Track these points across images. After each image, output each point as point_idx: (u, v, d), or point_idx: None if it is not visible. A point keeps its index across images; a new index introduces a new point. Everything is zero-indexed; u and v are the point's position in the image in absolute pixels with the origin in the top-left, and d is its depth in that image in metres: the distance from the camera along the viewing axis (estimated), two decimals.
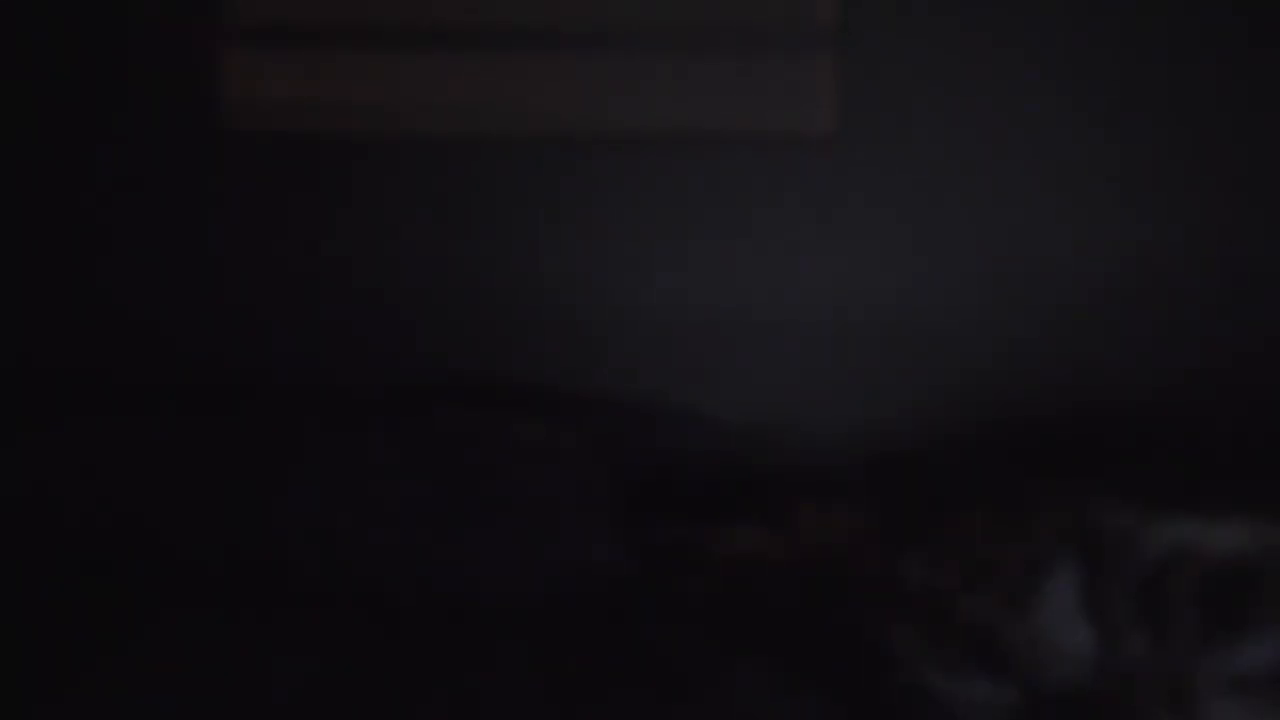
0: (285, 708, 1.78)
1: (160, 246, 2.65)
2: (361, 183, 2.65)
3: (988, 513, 2.07)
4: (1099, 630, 1.90)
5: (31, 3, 2.63)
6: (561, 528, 2.13)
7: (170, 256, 2.65)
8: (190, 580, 2.09)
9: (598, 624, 2.01)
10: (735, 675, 1.86)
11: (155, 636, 1.94)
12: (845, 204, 2.66)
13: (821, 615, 2.00)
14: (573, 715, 1.78)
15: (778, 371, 2.66)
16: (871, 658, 1.93)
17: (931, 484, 2.23)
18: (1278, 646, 1.84)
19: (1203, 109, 2.65)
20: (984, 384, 2.66)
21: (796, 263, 2.66)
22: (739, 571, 2.11)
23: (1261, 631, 1.85)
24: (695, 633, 1.98)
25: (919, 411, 2.66)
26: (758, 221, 2.65)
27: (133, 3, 2.63)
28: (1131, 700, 1.85)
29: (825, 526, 2.14)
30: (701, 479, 2.36)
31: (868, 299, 2.66)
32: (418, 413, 2.30)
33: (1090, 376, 2.66)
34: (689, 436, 2.43)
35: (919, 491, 2.19)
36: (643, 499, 2.30)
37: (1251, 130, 2.65)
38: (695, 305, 2.66)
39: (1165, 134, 2.65)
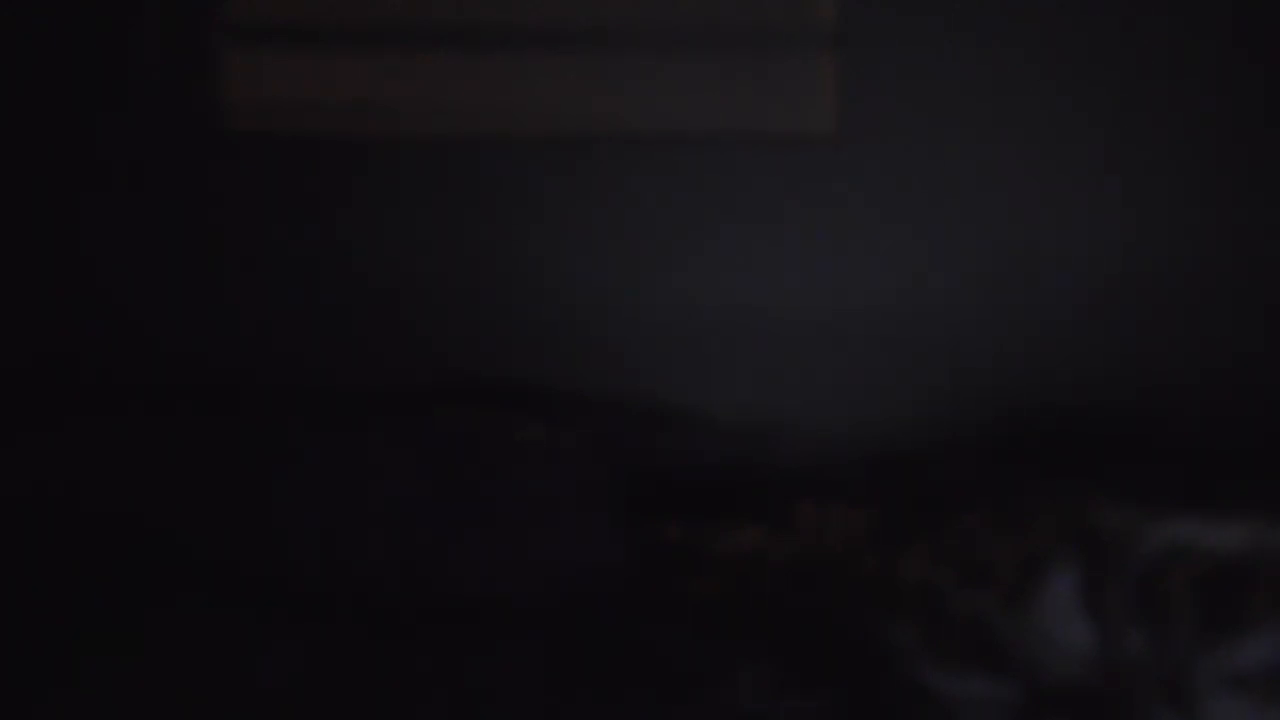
0: (285, 707, 1.78)
1: (160, 246, 2.65)
2: (361, 183, 2.65)
3: (987, 512, 2.07)
4: (1098, 627, 1.90)
5: (32, 3, 2.63)
6: (562, 528, 2.13)
7: (170, 256, 2.65)
8: (191, 580, 2.09)
9: (598, 624, 2.01)
10: (736, 675, 1.86)
11: (155, 635, 1.94)
12: (845, 204, 2.66)
13: (821, 615, 2.00)
14: (573, 715, 1.78)
15: (778, 371, 2.66)
16: (871, 657, 1.93)
17: (931, 484, 2.23)
18: (1274, 645, 1.84)
19: (1203, 109, 2.65)
20: (984, 384, 2.66)
21: (796, 262, 2.66)
22: (739, 571, 2.11)
23: (1258, 630, 1.85)
24: (696, 633, 1.98)
25: (919, 411, 2.66)
26: (757, 221, 2.65)
27: (133, 3, 2.63)
28: (1130, 696, 1.85)
29: (825, 526, 2.14)
30: (701, 479, 2.36)
31: (868, 299, 2.66)
32: (418, 413, 2.30)
33: (1090, 376, 2.66)
34: (689, 437, 2.43)
35: (919, 491, 2.19)
36: (643, 499, 2.30)
37: (1251, 130, 2.65)
38: (695, 305, 2.66)
39: (1165, 134, 2.65)
